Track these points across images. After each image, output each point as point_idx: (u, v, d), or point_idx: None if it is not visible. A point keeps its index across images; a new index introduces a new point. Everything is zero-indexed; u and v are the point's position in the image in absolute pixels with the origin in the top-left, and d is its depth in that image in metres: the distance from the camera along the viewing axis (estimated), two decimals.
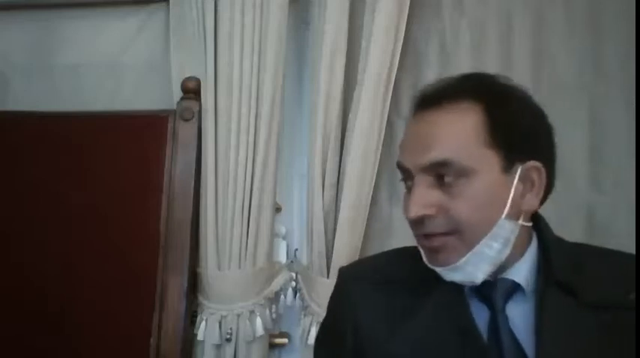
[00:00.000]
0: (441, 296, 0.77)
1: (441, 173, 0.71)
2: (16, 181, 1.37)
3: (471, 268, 0.73)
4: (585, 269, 0.76)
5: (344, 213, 1.30)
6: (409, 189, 0.76)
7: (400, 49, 1.33)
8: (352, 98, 1.32)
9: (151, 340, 1.27)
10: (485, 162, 0.71)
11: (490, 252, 0.72)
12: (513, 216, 0.73)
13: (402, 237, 1.37)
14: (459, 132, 0.72)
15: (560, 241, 0.81)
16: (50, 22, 1.54)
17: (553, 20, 1.37)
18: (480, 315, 0.75)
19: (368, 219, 1.34)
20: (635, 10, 1.26)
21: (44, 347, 1.28)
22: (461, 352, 0.73)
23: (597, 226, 1.31)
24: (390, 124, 1.38)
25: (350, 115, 1.32)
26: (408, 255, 0.85)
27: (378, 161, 1.33)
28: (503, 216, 0.72)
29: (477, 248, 0.72)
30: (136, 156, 1.36)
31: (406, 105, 1.42)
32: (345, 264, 1.27)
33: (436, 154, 0.71)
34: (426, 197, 0.72)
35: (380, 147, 1.33)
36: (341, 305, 0.85)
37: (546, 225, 0.81)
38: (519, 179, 0.73)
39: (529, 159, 0.74)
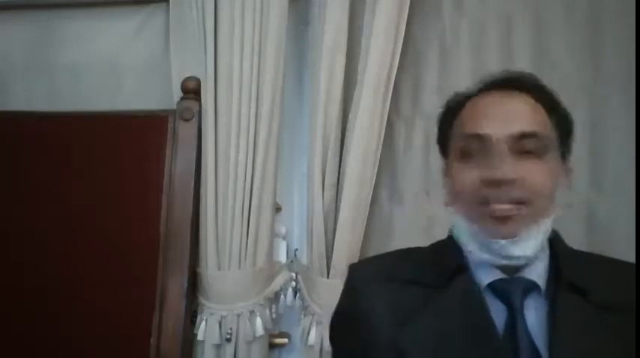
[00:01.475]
0: (456, 292, 0.78)
1: (526, 144, 0.76)
2: (16, 181, 1.37)
3: (529, 243, 0.75)
4: (594, 274, 0.79)
5: (344, 213, 1.30)
6: (475, 159, 0.77)
7: (400, 49, 1.33)
8: (352, 98, 1.32)
9: (151, 340, 1.27)
10: (553, 146, 0.78)
11: (545, 229, 0.77)
12: None
13: (403, 237, 1.39)
14: (540, 113, 0.79)
15: (568, 247, 0.83)
16: (50, 22, 1.54)
17: (553, 20, 1.37)
18: (497, 313, 0.76)
19: (368, 219, 1.34)
20: (635, 10, 1.26)
21: (44, 347, 1.28)
22: (475, 347, 0.74)
23: (597, 226, 1.31)
24: (390, 124, 1.38)
25: (350, 115, 1.32)
26: (417, 254, 0.87)
27: (378, 161, 1.34)
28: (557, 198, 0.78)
29: (540, 222, 0.76)
30: (136, 156, 1.36)
31: (406, 105, 1.43)
32: (345, 265, 1.29)
33: (530, 125, 0.77)
34: (511, 163, 0.75)
35: (380, 147, 1.33)
36: (352, 302, 0.85)
37: (555, 232, 0.83)
38: (564, 173, 0.80)
39: (568, 160, 0.82)
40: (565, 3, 1.37)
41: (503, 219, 0.74)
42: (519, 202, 0.74)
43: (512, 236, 0.74)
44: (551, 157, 0.77)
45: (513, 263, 0.76)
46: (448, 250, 0.83)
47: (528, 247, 0.75)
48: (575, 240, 0.85)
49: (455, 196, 0.80)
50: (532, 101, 0.80)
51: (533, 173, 0.75)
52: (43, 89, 1.53)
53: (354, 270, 0.91)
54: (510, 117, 0.78)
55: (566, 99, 1.37)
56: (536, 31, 1.38)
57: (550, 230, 0.78)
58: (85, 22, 1.54)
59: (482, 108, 0.80)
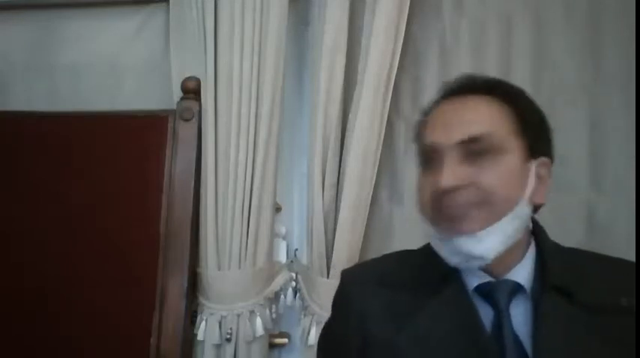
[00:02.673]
0: (446, 294, 0.79)
1: (474, 148, 0.76)
2: (15, 181, 1.37)
3: (489, 242, 0.75)
4: (581, 273, 0.79)
5: (344, 213, 1.30)
6: (433, 167, 0.79)
7: (400, 49, 1.33)
8: (352, 98, 1.32)
9: (151, 340, 1.27)
10: (512, 146, 0.77)
11: (509, 230, 0.76)
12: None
13: (402, 237, 1.39)
14: (493, 114, 0.79)
15: (556, 246, 0.84)
16: (50, 22, 1.54)
17: (553, 20, 1.37)
18: (484, 315, 0.77)
19: (368, 219, 1.34)
20: (635, 10, 1.26)
21: (44, 347, 1.28)
22: (465, 348, 0.75)
23: (597, 226, 1.31)
24: (390, 124, 1.38)
25: (350, 115, 1.32)
26: (409, 257, 0.88)
27: (378, 161, 1.34)
28: (526, 197, 0.77)
29: (500, 222, 0.75)
30: (136, 156, 1.36)
31: (406, 105, 1.43)
32: (345, 264, 1.29)
33: (474, 129, 0.76)
34: (458, 169, 0.75)
35: (380, 147, 1.33)
36: (345, 306, 0.86)
37: (543, 231, 0.84)
38: (535, 171, 0.79)
39: (543, 156, 0.80)
40: (565, 3, 1.37)
41: (459, 218, 0.75)
42: (475, 204, 0.75)
43: (469, 232, 0.75)
44: (511, 157, 0.77)
45: (477, 264, 0.77)
46: (438, 255, 0.83)
47: (488, 246, 0.75)
48: (575, 240, 0.85)
49: (420, 205, 0.82)
50: (486, 101, 0.80)
51: (486, 175, 0.75)
52: (43, 89, 1.53)
53: (345, 276, 0.92)
54: (458, 122, 0.78)
55: (566, 99, 1.38)
56: (536, 31, 1.38)
57: (515, 232, 0.77)
58: (85, 22, 1.54)
59: (436, 118, 0.82)
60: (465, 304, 0.78)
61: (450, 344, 0.76)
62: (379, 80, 1.30)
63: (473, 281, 0.80)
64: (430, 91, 1.41)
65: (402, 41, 1.33)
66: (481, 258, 0.76)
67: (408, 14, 1.33)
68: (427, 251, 0.87)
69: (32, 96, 1.53)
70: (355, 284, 0.88)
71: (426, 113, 0.86)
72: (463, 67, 1.39)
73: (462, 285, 0.79)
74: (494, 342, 0.74)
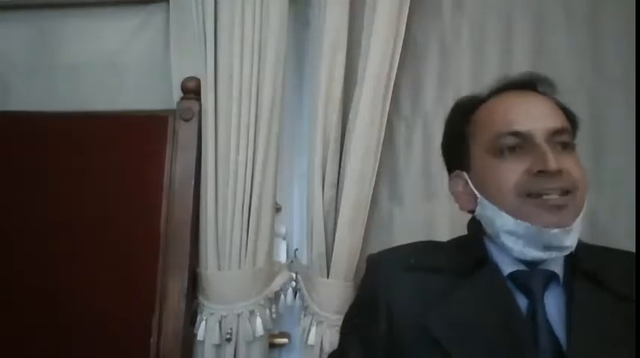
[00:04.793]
0: (481, 281, 0.80)
1: (560, 139, 0.79)
2: (16, 181, 1.37)
3: (575, 235, 0.78)
4: (605, 263, 0.82)
5: (344, 213, 1.30)
6: (518, 154, 0.79)
7: (400, 49, 1.33)
8: (352, 98, 1.32)
9: (151, 340, 1.27)
10: (573, 141, 0.83)
11: (580, 225, 0.79)
12: None
13: (402, 237, 1.38)
14: (559, 110, 0.84)
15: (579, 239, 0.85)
16: (50, 22, 1.54)
17: (553, 20, 1.37)
18: (519, 302, 0.78)
19: (368, 219, 1.34)
20: (635, 10, 1.26)
21: (44, 347, 1.28)
22: (498, 331, 0.75)
23: (597, 226, 1.31)
24: (390, 124, 1.38)
25: (350, 115, 1.32)
26: (439, 245, 0.89)
27: (378, 161, 1.34)
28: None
29: (580, 217, 0.79)
30: (136, 156, 1.35)
31: (406, 105, 1.42)
32: (345, 264, 1.29)
33: (559, 121, 0.81)
34: (556, 155, 0.77)
35: (380, 147, 1.33)
36: (374, 286, 0.86)
37: None
38: None
39: None
40: (565, 3, 1.37)
41: (557, 208, 0.76)
42: (566, 193, 0.77)
43: (565, 225, 0.76)
44: (574, 151, 0.81)
45: (555, 255, 0.78)
46: (470, 243, 0.85)
47: (575, 237, 0.78)
48: None
49: (495, 193, 0.80)
50: (550, 99, 0.84)
51: (571, 164, 0.78)
52: (43, 89, 1.53)
53: (374, 260, 0.91)
54: (543, 113, 0.81)
55: (566, 99, 1.38)
56: (536, 31, 1.38)
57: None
58: (85, 21, 1.54)
59: (515, 107, 0.82)
60: (500, 289, 0.79)
61: (485, 327, 0.76)
62: (379, 80, 1.30)
63: (506, 269, 0.80)
64: (430, 91, 1.42)
65: (402, 41, 1.33)
66: (568, 248, 0.78)
67: (408, 14, 1.33)
68: (457, 241, 0.89)
69: (32, 96, 1.53)
70: (385, 267, 0.87)
71: (469, 107, 0.88)
72: (463, 67, 1.39)
73: (496, 271, 0.80)
74: (528, 328, 0.76)
